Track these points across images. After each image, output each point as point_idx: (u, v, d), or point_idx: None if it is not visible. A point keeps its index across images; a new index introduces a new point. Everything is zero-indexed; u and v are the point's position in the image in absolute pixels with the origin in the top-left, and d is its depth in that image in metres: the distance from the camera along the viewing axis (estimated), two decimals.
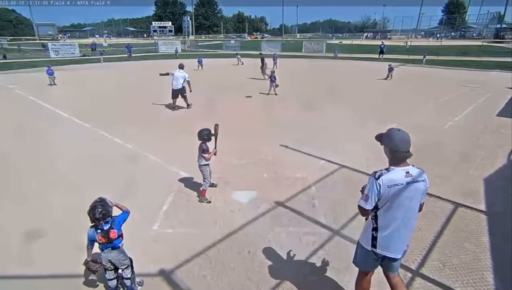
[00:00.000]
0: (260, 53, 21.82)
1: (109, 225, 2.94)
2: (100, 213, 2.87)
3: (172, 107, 11.61)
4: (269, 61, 24.86)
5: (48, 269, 3.69)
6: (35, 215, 4.77)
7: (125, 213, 3.10)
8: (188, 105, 11.76)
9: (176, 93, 11.38)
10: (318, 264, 3.76)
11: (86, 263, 3.10)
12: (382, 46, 33.24)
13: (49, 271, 3.67)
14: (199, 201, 5.09)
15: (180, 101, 11.64)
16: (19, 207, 5.04)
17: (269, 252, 3.95)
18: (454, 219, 4.63)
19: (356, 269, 2.98)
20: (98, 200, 2.96)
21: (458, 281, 3.48)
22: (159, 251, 3.95)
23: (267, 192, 5.41)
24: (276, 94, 13.96)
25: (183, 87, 11.32)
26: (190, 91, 11.57)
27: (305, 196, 5.30)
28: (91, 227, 2.97)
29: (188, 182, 5.75)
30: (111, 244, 3.00)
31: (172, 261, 3.78)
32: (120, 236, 3.06)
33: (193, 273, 3.62)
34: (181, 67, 11.57)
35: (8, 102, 13.20)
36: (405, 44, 43.73)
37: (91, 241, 3.00)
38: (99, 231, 2.93)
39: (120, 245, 3.08)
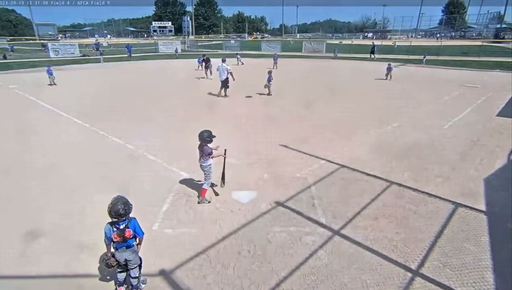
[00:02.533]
0: (203, 54, 22.05)
1: (125, 224, 3.00)
2: (123, 209, 2.93)
3: (218, 95, 13.83)
4: (269, 61, 24.94)
5: (48, 269, 3.70)
6: (35, 215, 4.77)
7: (140, 232, 3.14)
8: (226, 94, 13.76)
9: (223, 84, 13.54)
10: (318, 264, 3.76)
11: (107, 258, 3.14)
12: (373, 46, 33.68)
13: (49, 271, 3.67)
14: (199, 201, 5.08)
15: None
16: (19, 207, 5.04)
17: (269, 252, 3.96)
18: (454, 219, 4.64)
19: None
20: (120, 197, 3.01)
21: (458, 281, 3.48)
22: (159, 251, 3.95)
23: (267, 192, 5.41)
24: (270, 94, 13.94)
25: (227, 78, 13.40)
26: (233, 80, 13.64)
27: (305, 196, 5.30)
28: (108, 223, 3.02)
29: (188, 182, 5.75)
30: (125, 243, 3.06)
31: (172, 261, 3.78)
32: (134, 236, 3.14)
33: (193, 273, 3.63)
34: (224, 60, 13.72)
35: (8, 102, 13.19)
36: (393, 44, 44.21)
37: (108, 238, 3.04)
38: (115, 229, 2.98)
39: (133, 244, 3.15)
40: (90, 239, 4.12)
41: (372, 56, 32.38)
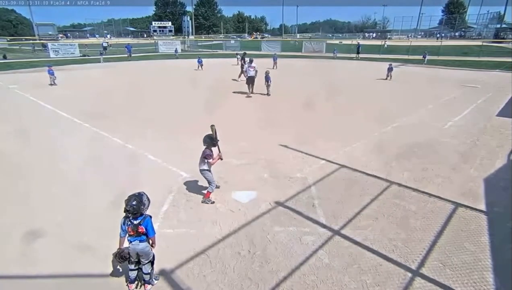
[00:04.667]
0: (244, 52, 19.95)
1: (138, 221, 3.08)
2: (131, 206, 3.00)
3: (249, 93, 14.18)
4: (269, 61, 24.91)
5: (48, 269, 3.69)
6: (35, 215, 4.77)
7: (152, 231, 3.17)
8: (252, 91, 14.15)
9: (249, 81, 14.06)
10: (318, 264, 3.76)
11: (120, 251, 3.21)
12: (358, 46, 34.06)
13: (49, 271, 3.67)
14: (202, 202, 5.09)
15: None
16: (19, 207, 5.04)
17: (269, 252, 3.96)
18: (454, 219, 4.64)
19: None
20: (136, 194, 3.09)
21: (458, 281, 3.48)
22: (159, 251, 3.93)
23: (267, 192, 5.41)
24: (268, 94, 13.97)
25: (250, 76, 13.77)
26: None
27: (305, 196, 5.30)
28: (124, 217, 3.11)
29: (188, 182, 5.75)
30: (139, 237, 3.13)
31: (172, 261, 3.78)
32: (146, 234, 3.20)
33: (193, 273, 3.63)
34: (250, 61, 14.13)
35: (8, 102, 13.19)
36: (383, 44, 44.56)
37: (124, 230, 3.14)
38: (129, 223, 3.08)
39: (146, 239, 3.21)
40: (90, 239, 4.13)
41: (357, 56, 33.15)
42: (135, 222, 3.07)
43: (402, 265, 3.72)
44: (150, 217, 3.18)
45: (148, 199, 3.16)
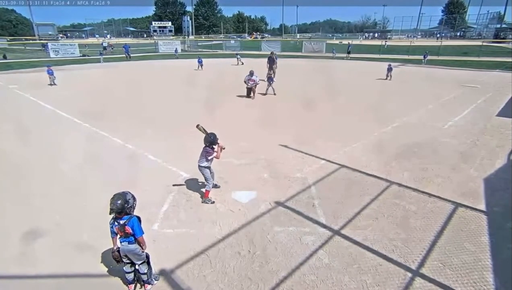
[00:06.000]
0: (272, 52, 19.71)
1: (124, 221, 3.06)
2: (114, 205, 2.99)
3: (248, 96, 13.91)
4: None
5: (47, 269, 3.69)
6: (35, 215, 4.77)
7: (139, 232, 3.12)
8: (253, 96, 13.80)
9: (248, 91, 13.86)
10: (318, 264, 3.76)
11: (112, 252, 3.24)
12: (349, 46, 34.44)
13: (48, 271, 3.67)
14: (202, 202, 5.09)
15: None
16: (19, 207, 5.04)
17: (269, 252, 3.96)
18: (454, 219, 4.63)
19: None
20: (121, 193, 3.08)
21: (458, 281, 3.48)
22: (159, 251, 3.94)
23: (267, 192, 5.41)
24: (275, 94, 14.09)
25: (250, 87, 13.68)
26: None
27: (305, 196, 5.30)
28: (112, 217, 3.11)
29: (188, 182, 5.75)
30: (127, 238, 3.12)
31: (172, 261, 3.78)
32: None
33: (193, 273, 3.63)
34: (251, 74, 13.59)
35: (8, 102, 13.19)
36: (383, 44, 44.77)
37: (112, 231, 3.14)
38: (116, 223, 3.07)
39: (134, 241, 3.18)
40: (90, 239, 4.13)
41: (348, 55, 33.67)
42: (121, 222, 3.06)
43: (402, 265, 3.72)
44: (138, 217, 3.14)
45: (134, 198, 3.13)
